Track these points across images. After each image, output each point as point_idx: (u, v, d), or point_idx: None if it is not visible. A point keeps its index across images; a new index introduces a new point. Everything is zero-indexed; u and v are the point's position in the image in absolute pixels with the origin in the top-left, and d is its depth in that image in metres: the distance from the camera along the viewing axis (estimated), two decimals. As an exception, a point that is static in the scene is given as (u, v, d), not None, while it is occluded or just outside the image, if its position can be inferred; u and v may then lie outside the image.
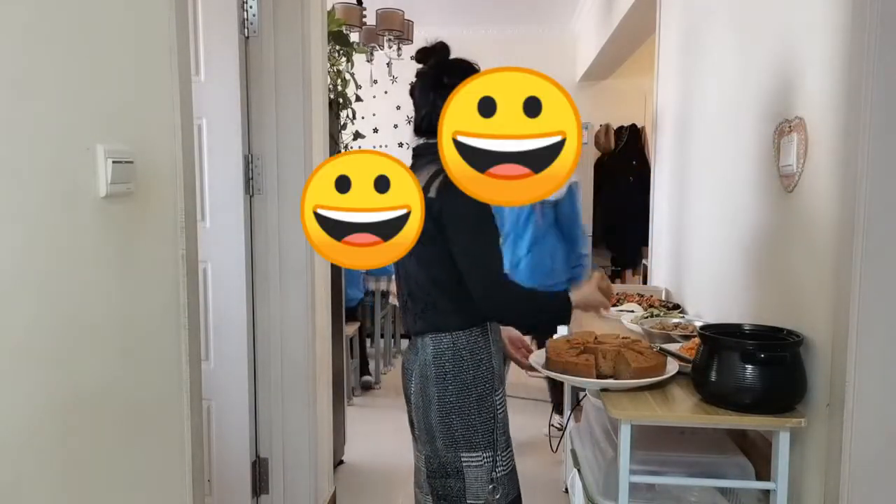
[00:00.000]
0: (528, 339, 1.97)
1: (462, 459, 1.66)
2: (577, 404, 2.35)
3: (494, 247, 1.64)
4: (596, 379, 1.65)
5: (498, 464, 1.67)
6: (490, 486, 1.67)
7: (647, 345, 1.79)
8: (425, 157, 1.70)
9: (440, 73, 1.69)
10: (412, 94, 1.76)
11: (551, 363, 1.72)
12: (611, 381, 1.64)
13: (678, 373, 1.71)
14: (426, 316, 1.68)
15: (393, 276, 2.64)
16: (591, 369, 1.64)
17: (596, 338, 1.83)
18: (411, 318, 1.72)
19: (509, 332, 1.92)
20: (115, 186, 1.16)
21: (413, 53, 1.77)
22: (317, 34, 2.53)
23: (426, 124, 1.70)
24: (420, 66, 1.75)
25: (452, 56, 1.72)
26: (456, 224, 1.58)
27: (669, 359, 1.75)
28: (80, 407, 1.11)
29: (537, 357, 1.82)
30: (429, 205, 1.55)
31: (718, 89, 2.25)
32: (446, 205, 1.54)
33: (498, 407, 1.68)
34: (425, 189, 1.60)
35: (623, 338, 1.83)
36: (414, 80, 1.76)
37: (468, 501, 1.68)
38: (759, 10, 1.90)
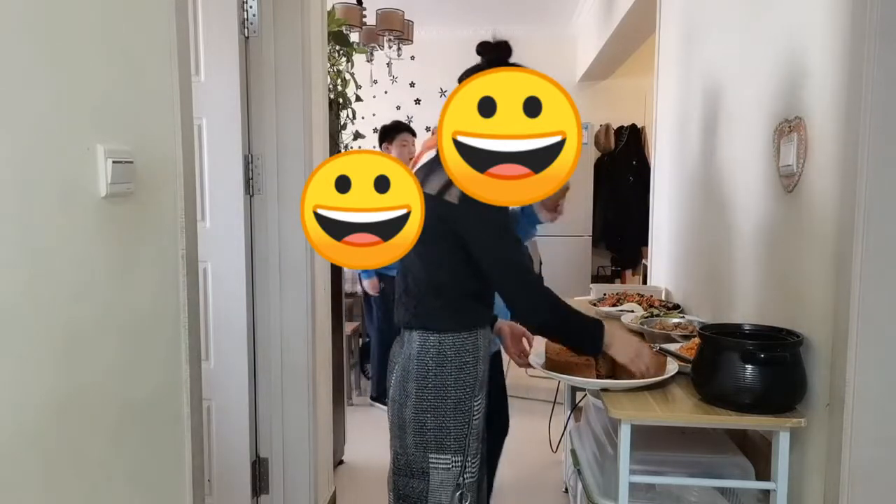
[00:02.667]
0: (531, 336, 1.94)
1: (430, 460, 1.64)
2: (576, 406, 2.34)
3: (522, 249, 1.63)
4: (596, 379, 1.65)
5: (466, 469, 1.65)
6: (458, 493, 1.64)
7: (647, 345, 1.79)
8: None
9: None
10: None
11: (551, 363, 1.71)
12: (611, 381, 1.64)
13: (678, 373, 1.71)
14: (418, 312, 1.67)
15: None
16: (591, 369, 1.64)
17: None
18: (403, 310, 1.72)
19: (513, 326, 1.91)
20: (115, 186, 1.16)
21: (476, 46, 1.65)
22: (317, 34, 2.53)
23: None
24: (480, 59, 1.64)
25: (513, 59, 1.62)
26: (483, 229, 1.56)
27: (669, 359, 1.75)
28: (80, 407, 1.11)
29: (537, 357, 1.81)
30: (446, 209, 1.56)
31: (718, 89, 2.25)
32: (471, 211, 1.49)
33: (475, 413, 1.66)
34: (441, 192, 1.58)
35: (623, 338, 1.82)
36: (467, 71, 1.64)
37: None
38: (760, 10, 1.90)
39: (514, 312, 1.63)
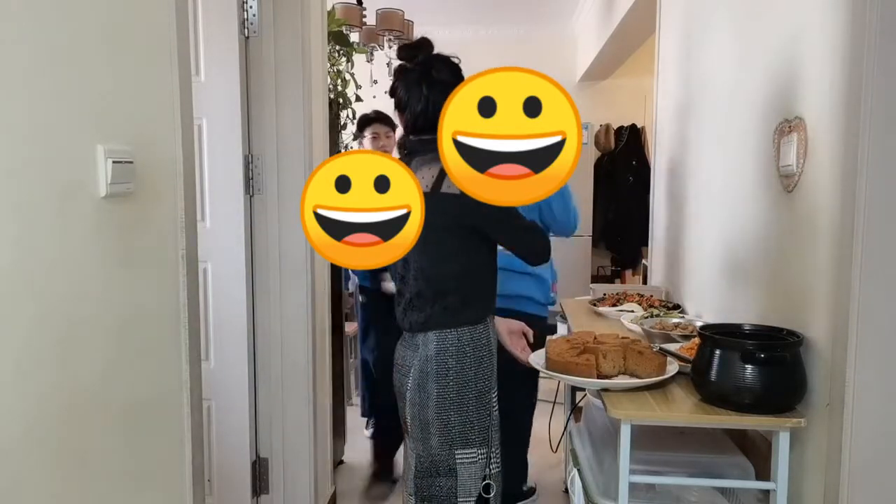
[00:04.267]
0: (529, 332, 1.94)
1: (456, 456, 1.67)
2: (576, 406, 2.34)
3: (521, 215, 1.75)
4: (597, 379, 1.65)
5: (492, 460, 1.69)
6: (484, 484, 1.67)
7: (647, 345, 1.79)
8: (421, 153, 1.71)
9: (427, 68, 1.70)
10: (394, 93, 1.75)
11: (552, 363, 1.72)
12: (611, 381, 1.65)
13: (678, 373, 1.71)
14: (434, 312, 1.68)
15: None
16: (591, 369, 1.64)
17: (595, 338, 1.83)
18: (416, 313, 1.72)
19: (510, 324, 1.91)
20: (115, 186, 1.16)
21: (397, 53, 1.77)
22: (317, 34, 2.53)
23: (422, 121, 1.70)
24: (403, 62, 1.74)
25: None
26: (491, 209, 1.57)
27: (669, 359, 1.75)
28: (80, 407, 1.11)
29: (537, 357, 1.82)
30: (448, 202, 1.57)
31: (718, 89, 2.25)
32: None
33: (494, 404, 1.70)
34: (435, 188, 1.62)
35: (623, 338, 1.83)
36: (396, 78, 1.75)
37: (459, 500, 1.67)
38: (760, 10, 1.90)
39: (531, 262, 1.79)
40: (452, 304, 1.67)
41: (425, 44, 1.72)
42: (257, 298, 2.40)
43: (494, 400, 1.71)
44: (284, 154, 2.37)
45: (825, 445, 1.44)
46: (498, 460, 1.71)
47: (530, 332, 1.93)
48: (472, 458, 1.67)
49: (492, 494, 1.69)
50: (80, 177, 1.11)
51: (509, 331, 1.89)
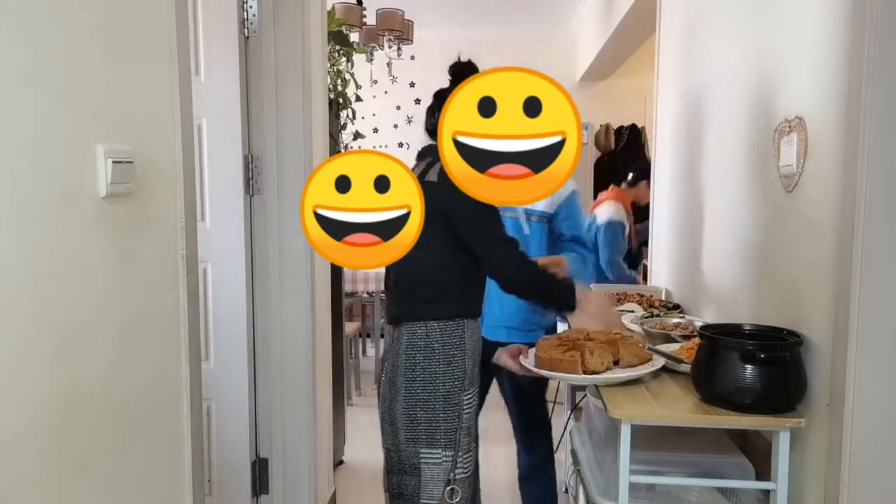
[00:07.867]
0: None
1: (421, 455, 1.65)
2: (576, 406, 2.35)
3: (502, 222, 1.70)
4: (581, 375, 1.66)
5: (458, 465, 1.66)
6: (448, 488, 1.65)
7: (635, 341, 1.80)
8: (429, 156, 1.74)
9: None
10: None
11: (538, 360, 1.75)
12: (596, 376, 1.66)
13: (678, 373, 1.71)
14: (407, 304, 1.68)
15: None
16: (576, 365, 1.66)
17: (588, 335, 1.83)
18: (393, 306, 1.73)
19: (510, 350, 1.90)
20: (115, 186, 1.16)
21: (448, 67, 1.77)
22: (317, 34, 2.53)
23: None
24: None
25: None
26: (465, 203, 1.53)
27: (655, 355, 1.78)
28: (80, 407, 1.11)
29: (529, 357, 1.84)
30: (429, 189, 1.56)
31: (718, 89, 2.25)
32: (453, 187, 1.40)
33: (465, 408, 1.67)
34: (422, 175, 1.63)
35: (614, 333, 1.83)
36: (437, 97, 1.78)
37: (422, 500, 1.66)
38: (760, 10, 1.90)
39: (499, 278, 1.69)
40: (425, 295, 1.66)
41: (471, 67, 1.75)
42: (257, 298, 2.40)
43: (466, 403, 1.68)
44: (284, 154, 2.37)
45: (825, 445, 1.44)
46: (466, 466, 1.68)
47: (526, 350, 1.94)
48: (437, 459, 1.65)
49: (456, 500, 1.65)
50: (80, 177, 1.11)
51: (509, 351, 1.90)
